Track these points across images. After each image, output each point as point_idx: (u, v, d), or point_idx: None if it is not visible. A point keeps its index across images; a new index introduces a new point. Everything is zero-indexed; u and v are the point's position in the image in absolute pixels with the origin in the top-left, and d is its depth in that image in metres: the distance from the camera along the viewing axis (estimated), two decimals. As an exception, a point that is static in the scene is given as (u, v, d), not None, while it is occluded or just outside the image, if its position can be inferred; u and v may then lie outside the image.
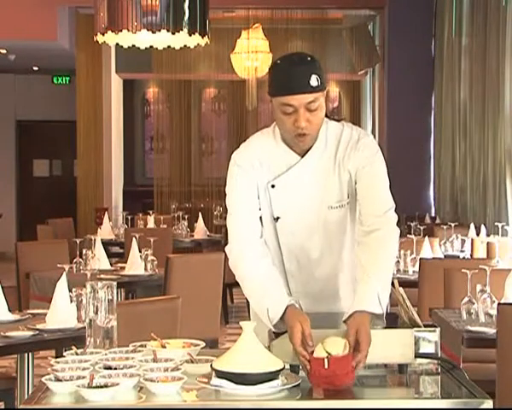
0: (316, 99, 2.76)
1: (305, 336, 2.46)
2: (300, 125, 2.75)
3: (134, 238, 6.38)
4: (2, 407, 4.45)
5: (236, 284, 2.88)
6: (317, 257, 2.94)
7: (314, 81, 2.75)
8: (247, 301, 2.59)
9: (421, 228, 7.72)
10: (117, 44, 7.94)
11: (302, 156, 2.87)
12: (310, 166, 2.87)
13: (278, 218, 2.90)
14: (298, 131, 2.77)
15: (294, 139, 2.81)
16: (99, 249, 6.41)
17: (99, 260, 6.30)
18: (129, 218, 9.92)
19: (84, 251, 6.17)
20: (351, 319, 2.51)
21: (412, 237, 6.49)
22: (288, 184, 2.88)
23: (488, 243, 6.41)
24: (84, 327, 2.70)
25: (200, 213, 9.68)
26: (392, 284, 2.76)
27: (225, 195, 2.98)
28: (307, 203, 2.89)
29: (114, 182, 13.06)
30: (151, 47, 8.01)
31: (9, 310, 4.38)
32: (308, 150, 2.86)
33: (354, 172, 2.86)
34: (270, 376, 2.31)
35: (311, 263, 2.94)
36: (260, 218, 2.92)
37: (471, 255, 6.74)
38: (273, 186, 2.88)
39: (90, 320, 2.64)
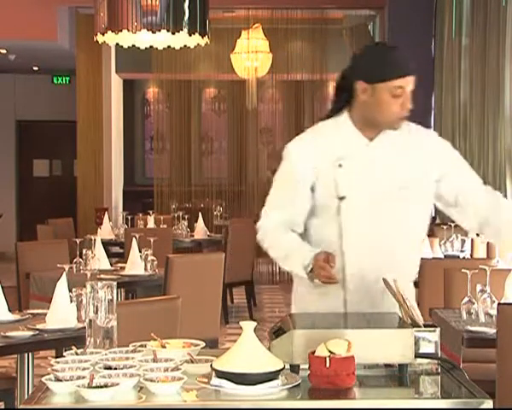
0: (413, 82, 2.96)
1: (329, 258, 2.80)
2: (408, 106, 2.94)
3: (134, 238, 6.38)
4: (2, 407, 4.45)
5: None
6: (377, 244, 2.95)
7: (412, 65, 2.97)
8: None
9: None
10: (117, 44, 7.94)
11: (371, 140, 3.00)
12: (379, 149, 3.00)
13: (343, 197, 2.95)
14: (403, 113, 2.95)
15: (396, 121, 2.96)
16: (99, 249, 6.42)
17: (99, 260, 6.30)
18: (129, 218, 9.92)
19: (84, 251, 6.17)
20: None
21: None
22: (356, 164, 2.97)
23: (488, 243, 6.41)
24: (84, 327, 2.70)
25: (200, 213, 9.69)
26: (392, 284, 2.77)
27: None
28: (374, 184, 2.97)
29: (114, 182, 13.06)
30: (151, 47, 8.01)
31: (9, 310, 4.38)
32: (377, 135, 3.00)
33: (433, 156, 3.04)
34: (270, 376, 2.31)
35: (371, 251, 2.96)
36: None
37: (471, 255, 6.74)
38: (340, 166, 2.96)
39: (90, 320, 2.64)
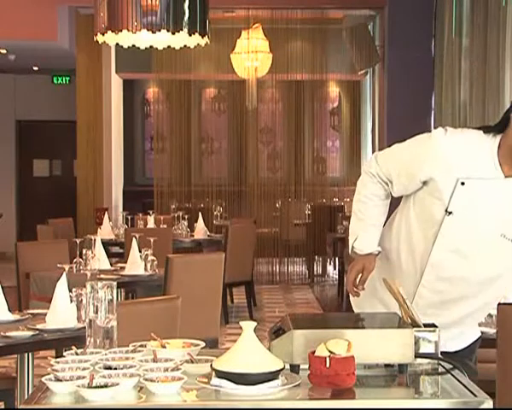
0: None
1: (360, 280, 2.96)
2: None
3: (134, 238, 6.38)
4: (2, 406, 4.44)
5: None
6: (462, 278, 2.93)
7: None
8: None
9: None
10: (117, 44, 7.93)
11: (505, 177, 2.86)
12: (507, 189, 2.86)
13: (451, 213, 2.87)
14: None
15: None
16: (99, 249, 6.42)
17: (99, 260, 6.30)
18: (129, 218, 9.92)
19: (84, 251, 6.17)
20: None
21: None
22: (478, 191, 2.86)
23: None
24: (84, 327, 2.70)
25: (200, 213, 9.69)
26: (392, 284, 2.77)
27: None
28: (485, 218, 2.88)
29: (114, 182, 13.06)
30: (151, 47, 8.00)
31: (9, 310, 4.38)
32: None
33: None
34: (270, 376, 2.31)
35: (453, 284, 2.94)
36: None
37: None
38: (463, 183, 2.85)
39: (90, 320, 2.64)
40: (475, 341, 3.18)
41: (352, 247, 3.10)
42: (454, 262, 2.93)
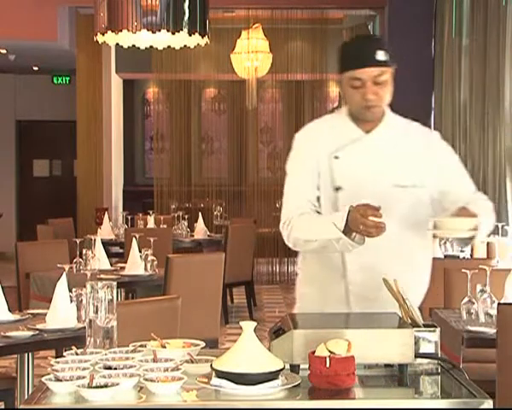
0: (382, 73, 2.92)
1: (372, 211, 2.73)
2: (368, 97, 2.92)
3: (134, 238, 6.38)
4: (2, 406, 4.45)
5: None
6: (379, 243, 2.86)
7: (380, 56, 2.92)
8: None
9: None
10: (117, 44, 7.94)
11: (367, 133, 3.01)
12: (375, 142, 3.01)
13: (339, 188, 2.97)
14: (367, 104, 2.93)
15: (363, 111, 2.96)
16: (99, 249, 6.42)
17: (99, 260, 6.30)
18: (129, 218, 9.92)
19: (84, 251, 6.17)
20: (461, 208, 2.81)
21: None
22: (352, 156, 2.99)
23: (488, 243, 6.41)
24: (84, 327, 2.70)
25: (200, 213, 9.69)
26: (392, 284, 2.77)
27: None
28: (371, 177, 2.98)
29: (114, 182, 13.06)
30: (151, 47, 8.01)
31: (9, 310, 4.38)
32: (374, 128, 3.01)
33: (434, 160, 3.03)
34: (270, 376, 2.31)
35: (373, 251, 2.90)
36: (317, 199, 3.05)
37: (471, 255, 6.74)
38: (336, 157, 3.00)
39: (90, 320, 2.64)
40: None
41: (340, 228, 2.83)
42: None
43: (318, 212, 3.05)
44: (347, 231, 2.83)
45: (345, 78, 2.96)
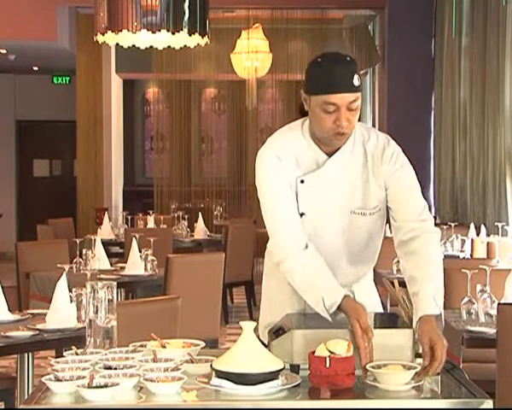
0: (357, 99, 2.76)
1: (364, 330, 2.51)
2: (342, 124, 2.75)
3: (134, 238, 6.38)
4: (2, 406, 4.45)
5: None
6: (338, 263, 2.89)
7: (356, 81, 2.76)
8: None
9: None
10: (117, 44, 7.94)
11: (329, 156, 2.88)
12: (336, 166, 2.87)
13: (303, 214, 2.88)
14: (338, 130, 2.77)
15: (332, 138, 2.81)
16: (99, 249, 6.42)
17: (99, 260, 6.30)
18: (129, 218, 9.91)
19: (84, 251, 6.17)
20: (419, 329, 2.54)
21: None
22: (316, 181, 2.88)
23: (488, 243, 6.40)
24: (84, 327, 2.70)
25: (200, 213, 9.68)
26: (392, 284, 2.77)
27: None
28: (331, 204, 2.89)
29: (114, 182, 13.06)
30: (151, 47, 8.01)
31: (9, 310, 4.38)
32: (336, 151, 2.87)
33: (384, 181, 2.89)
34: (270, 376, 2.31)
35: (333, 268, 2.83)
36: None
37: (471, 255, 6.74)
38: (302, 182, 2.88)
39: (90, 320, 2.64)
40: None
41: (328, 311, 2.69)
42: (324, 252, 2.83)
43: None
44: (336, 312, 2.71)
45: (315, 100, 2.78)
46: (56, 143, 15.69)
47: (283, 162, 2.88)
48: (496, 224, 7.48)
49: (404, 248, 2.82)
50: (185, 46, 7.82)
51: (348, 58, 2.81)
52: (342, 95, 2.73)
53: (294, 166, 2.88)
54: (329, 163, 2.87)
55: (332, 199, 2.89)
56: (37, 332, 4.04)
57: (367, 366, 2.41)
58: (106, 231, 9.04)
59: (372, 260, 3.03)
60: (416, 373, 2.40)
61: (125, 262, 6.44)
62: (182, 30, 7.34)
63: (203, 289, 6.04)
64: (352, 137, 2.88)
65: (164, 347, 2.58)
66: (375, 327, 2.56)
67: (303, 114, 2.98)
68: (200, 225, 9.53)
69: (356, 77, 2.75)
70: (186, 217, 9.74)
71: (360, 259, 2.96)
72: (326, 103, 2.75)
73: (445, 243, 7.12)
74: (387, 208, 2.92)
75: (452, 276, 4.72)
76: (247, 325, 2.39)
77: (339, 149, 2.87)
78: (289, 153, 2.89)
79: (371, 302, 2.95)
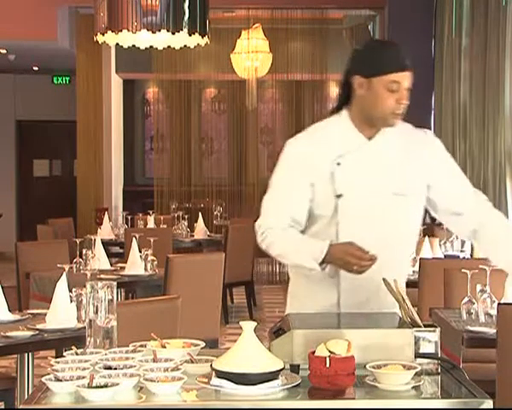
0: (411, 77, 2.95)
1: (360, 249, 2.80)
2: (404, 101, 2.94)
3: (134, 238, 6.38)
4: (2, 406, 4.45)
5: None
6: (373, 245, 2.91)
7: (409, 60, 2.96)
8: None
9: (422, 228, 7.71)
10: (117, 44, 7.94)
11: (369, 139, 3.00)
12: (376, 149, 2.99)
13: (341, 195, 2.95)
14: (398, 109, 2.94)
15: (389, 117, 2.95)
16: (99, 249, 6.42)
17: (99, 260, 6.30)
18: (129, 218, 9.91)
19: (84, 251, 6.17)
20: None
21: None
22: (354, 163, 2.97)
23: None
24: (84, 327, 2.70)
25: (200, 213, 9.69)
26: (392, 284, 2.77)
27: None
28: (372, 184, 2.97)
29: (114, 182, 13.06)
30: (151, 47, 8.01)
31: (9, 310, 4.38)
32: (375, 135, 3.00)
33: (429, 168, 3.02)
34: (270, 376, 2.31)
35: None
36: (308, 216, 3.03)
37: (471, 255, 6.74)
38: (338, 164, 2.96)
39: (90, 320, 2.64)
40: None
41: (318, 263, 2.91)
42: (361, 239, 2.91)
43: (302, 231, 3.04)
44: (322, 262, 2.91)
45: (380, 81, 2.91)
46: (56, 143, 15.69)
47: (307, 152, 2.98)
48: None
49: (482, 235, 3.05)
50: (185, 46, 7.82)
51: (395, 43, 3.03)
52: (408, 73, 2.93)
53: (329, 150, 2.97)
54: (369, 145, 2.99)
55: (371, 180, 2.97)
56: (37, 332, 4.04)
57: (367, 366, 2.41)
58: (106, 231, 9.04)
59: (407, 249, 3.11)
60: (415, 373, 2.40)
61: (125, 262, 6.44)
62: (182, 30, 7.34)
63: (203, 289, 6.04)
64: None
65: (164, 347, 2.58)
66: (375, 327, 2.56)
67: (333, 113, 3.10)
68: (200, 225, 9.53)
69: (407, 57, 2.96)
70: (186, 217, 9.74)
71: (395, 244, 3.01)
72: (392, 82, 2.91)
73: (444, 243, 7.12)
74: (441, 211, 3.10)
75: (452, 276, 4.72)
76: (247, 325, 2.39)
77: (377, 133, 2.99)
78: (322, 138, 3.01)
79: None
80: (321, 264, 2.92)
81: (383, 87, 2.91)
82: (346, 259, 2.85)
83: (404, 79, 2.92)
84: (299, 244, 2.98)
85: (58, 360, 2.48)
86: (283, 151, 3.08)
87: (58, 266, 4.74)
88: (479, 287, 4.11)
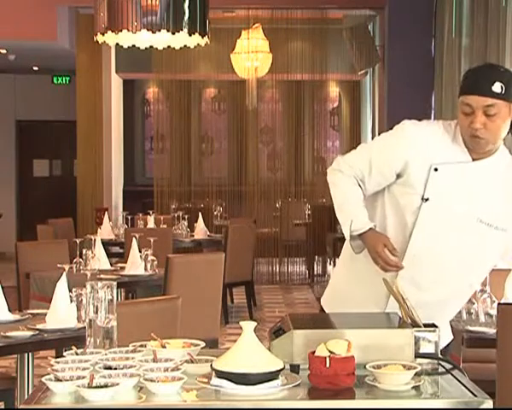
0: (495, 105, 2.85)
1: (391, 249, 2.87)
2: (475, 126, 2.86)
3: (134, 238, 6.38)
4: (2, 406, 4.45)
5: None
6: (441, 263, 2.94)
7: (497, 88, 2.85)
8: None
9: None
10: (117, 44, 7.94)
11: (473, 161, 2.96)
12: (477, 172, 2.96)
13: (427, 199, 2.94)
14: (473, 133, 2.88)
15: (469, 139, 2.92)
16: (99, 249, 6.42)
17: (99, 260, 6.30)
18: (129, 218, 9.92)
19: (84, 251, 6.17)
20: None
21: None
22: (451, 175, 2.95)
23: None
24: (84, 327, 2.70)
25: (200, 213, 9.68)
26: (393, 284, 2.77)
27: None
28: (460, 202, 2.95)
29: (114, 182, 13.06)
30: (151, 47, 8.01)
31: (9, 310, 4.38)
32: (481, 159, 2.96)
33: None
34: (270, 376, 2.31)
35: (433, 268, 2.95)
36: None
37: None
38: (436, 170, 2.94)
39: (90, 320, 2.64)
40: (447, 345, 3.13)
41: (351, 232, 2.98)
42: (432, 249, 2.95)
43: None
44: (355, 237, 2.97)
45: (460, 102, 2.92)
46: (56, 143, 15.69)
47: (415, 144, 2.97)
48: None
49: None
50: (185, 46, 7.82)
51: (501, 68, 2.96)
52: (476, 97, 2.85)
53: (432, 154, 2.96)
54: (471, 166, 2.96)
55: (460, 198, 2.95)
56: (37, 332, 4.04)
57: (367, 366, 2.41)
58: (106, 231, 9.04)
59: (472, 279, 3.09)
60: (415, 373, 2.40)
61: (125, 262, 6.44)
62: (182, 30, 7.33)
63: (203, 289, 6.04)
64: (504, 156, 3.00)
65: (164, 347, 2.58)
66: (375, 327, 2.56)
67: None
68: (200, 225, 9.53)
69: (498, 84, 2.85)
70: (186, 217, 9.73)
71: (464, 270, 3.00)
72: (463, 104, 2.89)
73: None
74: None
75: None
76: (247, 325, 2.39)
77: (486, 158, 2.95)
78: (432, 139, 2.98)
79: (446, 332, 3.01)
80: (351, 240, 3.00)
81: (460, 108, 2.91)
82: (374, 255, 2.91)
83: (476, 102, 2.85)
84: (352, 205, 3.03)
85: (58, 360, 2.47)
86: (400, 125, 3.05)
87: (58, 266, 4.75)
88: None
